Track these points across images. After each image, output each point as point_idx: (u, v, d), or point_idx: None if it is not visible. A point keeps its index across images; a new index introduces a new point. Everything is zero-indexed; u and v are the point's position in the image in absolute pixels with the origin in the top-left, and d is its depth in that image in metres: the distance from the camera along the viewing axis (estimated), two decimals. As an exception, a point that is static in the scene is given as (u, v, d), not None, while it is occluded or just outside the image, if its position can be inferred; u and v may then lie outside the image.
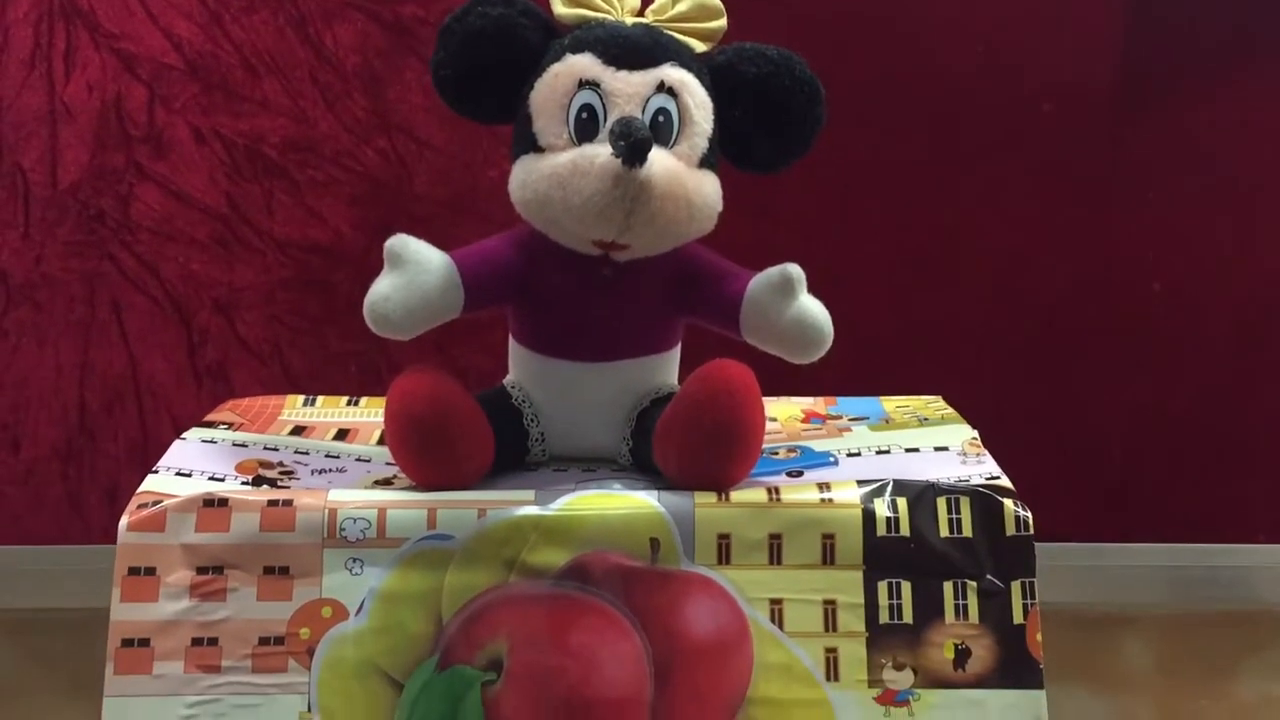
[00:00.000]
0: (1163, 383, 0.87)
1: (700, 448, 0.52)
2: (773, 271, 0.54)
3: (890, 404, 0.66)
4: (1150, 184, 0.84)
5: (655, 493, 0.52)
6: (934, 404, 0.66)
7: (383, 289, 0.52)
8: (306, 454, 0.58)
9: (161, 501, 0.51)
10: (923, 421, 0.63)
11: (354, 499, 0.51)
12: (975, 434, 0.60)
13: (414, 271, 0.52)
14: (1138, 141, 0.83)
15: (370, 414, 0.64)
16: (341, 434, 0.61)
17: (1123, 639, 0.89)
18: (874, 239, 0.82)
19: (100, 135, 0.81)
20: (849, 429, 0.62)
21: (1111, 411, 0.87)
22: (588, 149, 0.51)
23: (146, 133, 0.82)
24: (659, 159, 0.50)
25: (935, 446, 0.58)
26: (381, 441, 0.60)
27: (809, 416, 0.65)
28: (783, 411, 0.65)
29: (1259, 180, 0.84)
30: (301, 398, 0.65)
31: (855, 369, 0.70)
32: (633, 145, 0.49)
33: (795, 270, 0.53)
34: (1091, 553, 0.87)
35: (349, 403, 0.65)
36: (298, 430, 0.61)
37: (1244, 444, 0.88)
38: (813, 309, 0.53)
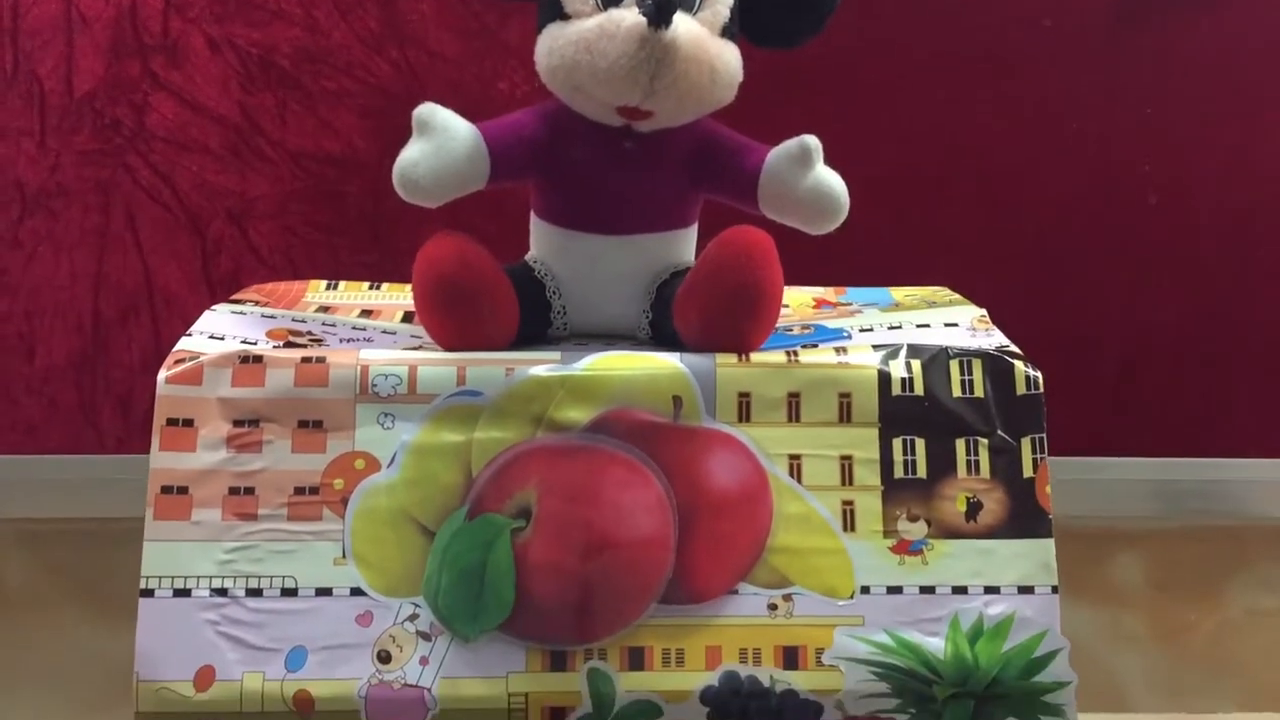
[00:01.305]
0: (1157, 297, 0.88)
1: (721, 309, 0.54)
2: (791, 143, 0.55)
3: (899, 293, 0.68)
4: (1148, 98, 0.86)
5: (677, 354, 0.54)
6: (940, 292, 0.67)
7: (411, 155, 0.54)
8: (334, 326, 0.59)
9: (198, 357, 0.52)
10: (931, 305, 0.64)
11: (385, 357, 0.53)
12: (984, 312, 0.62)
13: (442, 138, 0.54)
14: (1136, 55, 0.85)
15: (393, 297, 0.65)
16: (365, 314, 0.63)
17: (1113, 552, 0.91)
18: (875, 149, 0.84)
19: (115, 44, 0.82)
20: (860, 312, 0.64)
21: (1106, 325, 0.89)
22: (614, 13, 0.52)
23: (161, 42, 0.82)
24: (684, 23, 0.52)
25: (945, 323, 0.60)
26: (405, 319, 0.62)
27: (820, 303, 0.67)
28: (794, 299, 0.67)
29: (1257, 94, 0.85)
30: (324, 282, 0.66)
31: (854, 272, 0.72)
32: (659, 5, 0.50)
33: (813, 141, 0.55)
34: (1083, 466, 0.89)
35: (371, 287, 0.66)
36: (323, 309, 0.62)
37: (1237, 358, 0.89)
38: (829, 179, 0.55)
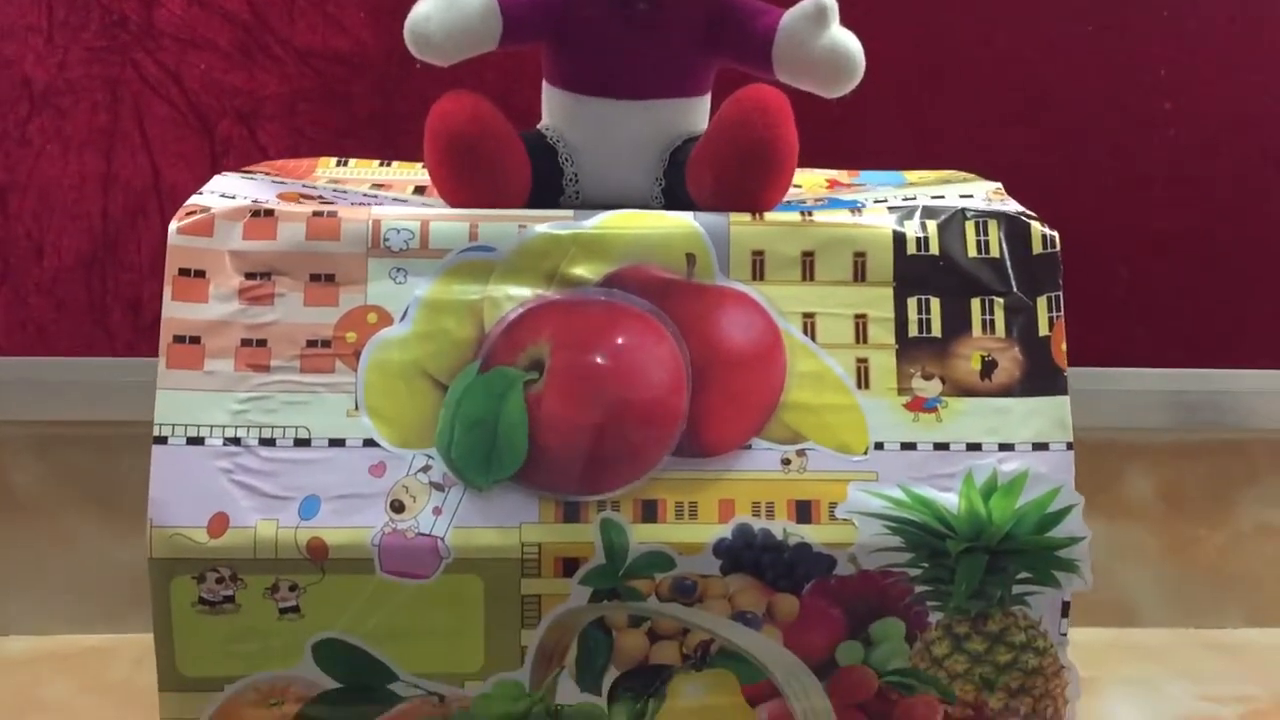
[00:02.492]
0: (1169, 206, 0.88)
1: (735, 165, 0.53)
2: (806, 2, 0.55)
3: (912, 175, 0.67)
4: (1165, 1, 0.85)
5: (691, 213, 0.54)
6: (955, 173, 0.67)
7: (424, 9, 0.53)
8: (345, 192, 0.59)
9: (209, 210, 0.52)
10: (946, 183, 0.64)
11: (397, 212, 0.53)
12: (999, 185, 0.61)
13: (454, -7, 0.54)
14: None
15: (403, 174, 0.65)
16: (376, 187, 0.62)
17: (1122, 465, 0.90)
18: (889, 52, 0.83)
19: (123, -63, 0.82)
20: (874, 191, 0.64)
21: (1117, 234, 0.88)
22: None
23: (169, -65, 0.82)
24: None
25: (960, 195, 0.60)
26: (416, 191, 0.61)
27: (833, 184, 0.66)
28: (806, 180, 0.66)
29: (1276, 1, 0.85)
30: (334, 159, 0.66)
31: (864, 165, 0.71)
32: None
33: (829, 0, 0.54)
34: (1092, 377, 0.88)
35: (381, 164, 0.66)
36: (333, 181, 0.62)
37: (1248, 268, 0.89)
38: (845, 38, 0.55)
